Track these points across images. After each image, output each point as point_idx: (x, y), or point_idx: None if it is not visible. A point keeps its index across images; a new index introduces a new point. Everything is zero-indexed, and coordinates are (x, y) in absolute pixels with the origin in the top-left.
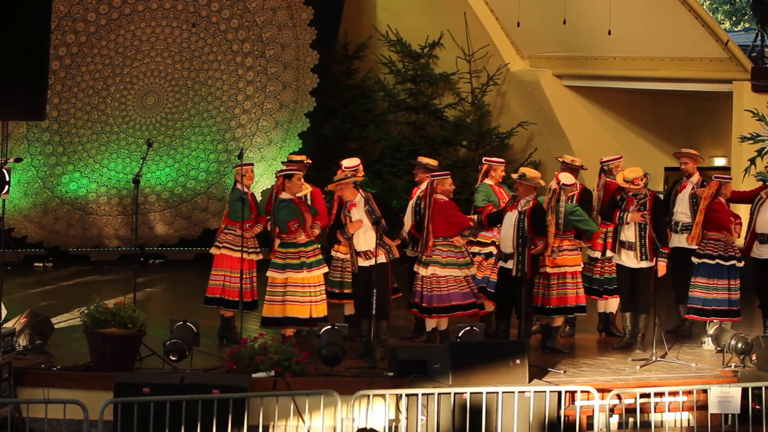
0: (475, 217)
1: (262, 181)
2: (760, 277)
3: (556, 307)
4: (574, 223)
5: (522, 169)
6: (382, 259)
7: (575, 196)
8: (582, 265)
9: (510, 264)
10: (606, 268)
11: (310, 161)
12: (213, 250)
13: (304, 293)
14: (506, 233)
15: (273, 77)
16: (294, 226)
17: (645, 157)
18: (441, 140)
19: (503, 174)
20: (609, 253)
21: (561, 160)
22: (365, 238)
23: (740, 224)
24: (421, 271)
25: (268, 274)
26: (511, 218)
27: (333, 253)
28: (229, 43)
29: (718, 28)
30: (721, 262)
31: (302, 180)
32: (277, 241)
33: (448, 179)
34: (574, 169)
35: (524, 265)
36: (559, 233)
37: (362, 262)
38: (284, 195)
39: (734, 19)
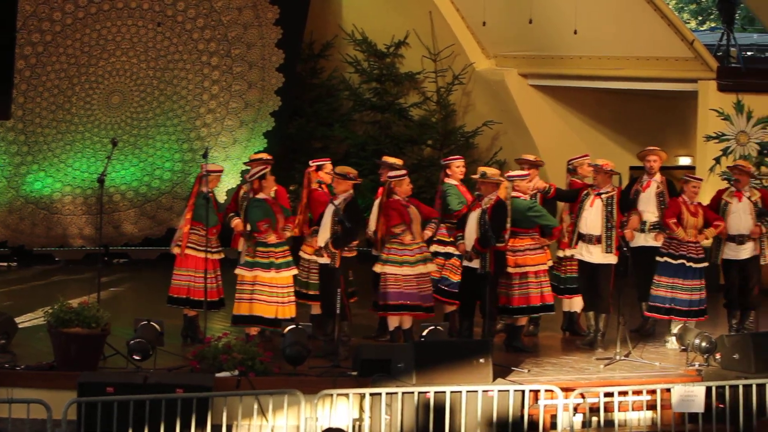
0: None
1: (226, 181)
2: (728, 277)
3: (519, 307)
4: (532, 219)
5: (481, 169)
6: (326, 260)
7: (539, 195)
8: (547, 264)
9: (474, 263)
10: (568, 267)
11: (271, 157)
12: (175, 250)
13: (271, 293)
14: (470, 232)
15: (238, 76)
16: (263, 226)
17: (610, 156)
18: (406, 139)
19: (464, 170)
20: (569, 252)
21: (520, 159)
22: (321, 235)
23: (717, 227)
24: (377, 268)
25: (237, 271)
26: (474, 217)
27: (300, 254)
28: (195, 43)
29: (683, 27)
30: (685, 262)
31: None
32: (242, 240)
33: (405, 180)
34: (534, 165)
35: (487, 262)
36: (523, 231)
37: (319, 259)
38: (260, 195)
39: (700, 18)
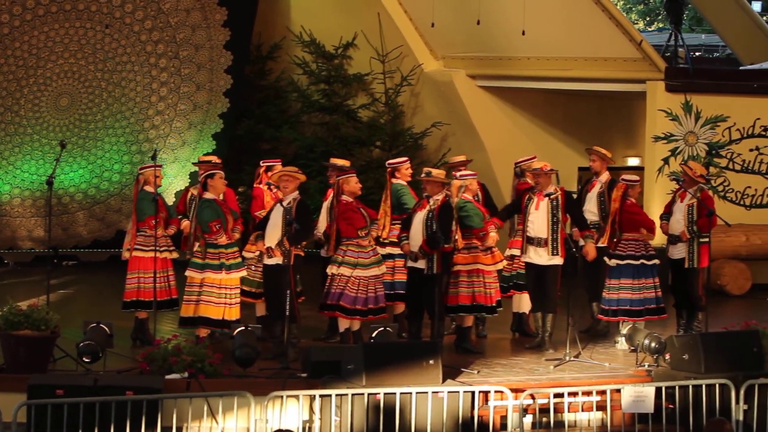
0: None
1: (175, 183)
2: (674, 276)
3: (450, 306)
4: (461, 218)
5: (426, 168)
6: (279, 260)
7: (479, 193)
8: (488, 266)
9: (420, 264)
10: (514, 265)
11: (220, 160)
12: (126, 255)
13: (219, 294)
14: (416, 233)
15: (187, 78)
16: (215, 226)
17: (559, 156)
18: (354, 141)
19: (411, 171)
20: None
21: (452, 163)
22: (271, 235)
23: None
24: (332, 270)
25: (187, 273)
26: (420, 217)
27: (244, 253)
28: (143, 44)
29: (631, 28)
30: (645, 261)
31: (224, 179)
32: (196, 242)
33: (352, 178)
34: (463, 164)
35: (434, 263)
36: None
37: (266, 260)
38: (207, 195)
39: (648, 19)
